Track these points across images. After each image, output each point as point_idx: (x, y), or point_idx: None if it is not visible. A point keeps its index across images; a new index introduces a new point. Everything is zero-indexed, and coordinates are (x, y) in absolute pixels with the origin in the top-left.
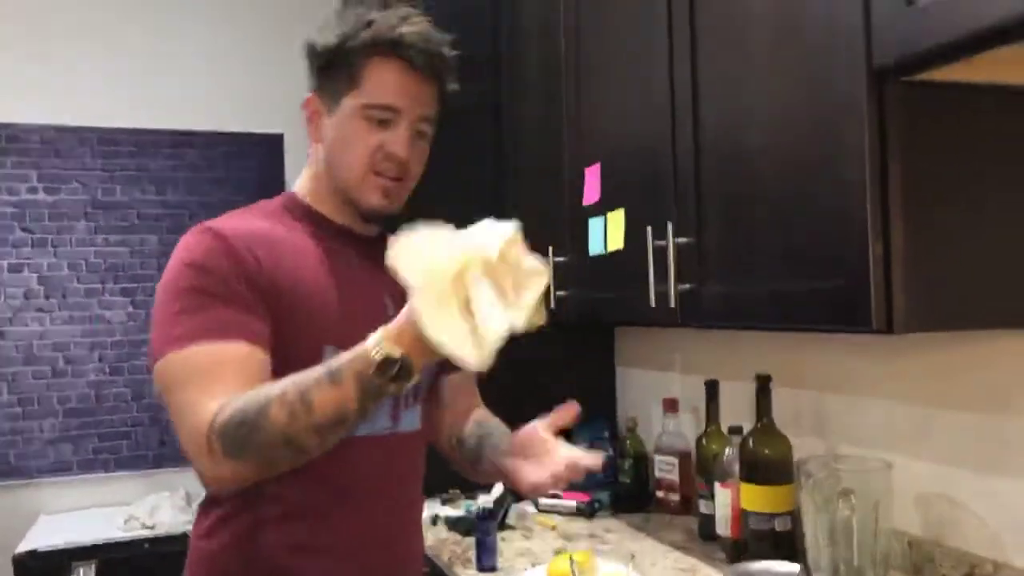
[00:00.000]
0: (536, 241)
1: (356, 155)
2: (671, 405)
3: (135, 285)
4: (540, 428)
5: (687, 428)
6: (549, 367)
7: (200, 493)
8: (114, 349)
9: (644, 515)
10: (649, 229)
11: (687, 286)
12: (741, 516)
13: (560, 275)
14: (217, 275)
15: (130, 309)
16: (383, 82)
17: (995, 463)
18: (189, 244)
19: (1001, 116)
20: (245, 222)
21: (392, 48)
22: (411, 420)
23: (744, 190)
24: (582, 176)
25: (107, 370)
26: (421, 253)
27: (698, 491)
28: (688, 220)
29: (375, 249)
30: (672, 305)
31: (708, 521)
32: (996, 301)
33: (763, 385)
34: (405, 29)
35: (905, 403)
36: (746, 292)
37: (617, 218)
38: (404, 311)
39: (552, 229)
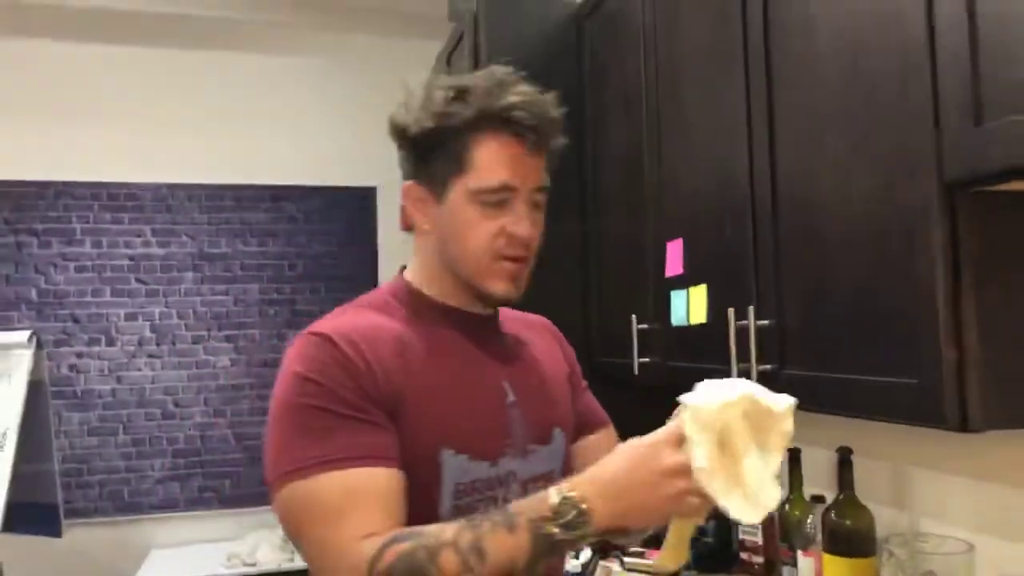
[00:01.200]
0: (620, 309)
1: (478, 243)
2: None
3: (238, 332)
4: None
5: None
6: (628, 424)
7: None
8: (218, 393)
9: None
10: (731, 311)
11: (768, 367)
12: None
13: (643, 342)
14: (332, 390)
15: (233, 355)
16: (495, 162)
17: None
18: (300, 353)
19: None
20: (354, 322)
21: (500, 124)
22: None
23: (821, 281)
24: (664, 248)
25: (211, 413)
26: (711, 408)
27: (782, 558)
28: (769, 303)
29: (489, 328)
30: None
31: None
32: None
33: (844, 457)
34: (511, 99)
35: (988, 483)
36: (824, 378)
37: (700, 293)
38: (605, 464)
39: (636, 297)
